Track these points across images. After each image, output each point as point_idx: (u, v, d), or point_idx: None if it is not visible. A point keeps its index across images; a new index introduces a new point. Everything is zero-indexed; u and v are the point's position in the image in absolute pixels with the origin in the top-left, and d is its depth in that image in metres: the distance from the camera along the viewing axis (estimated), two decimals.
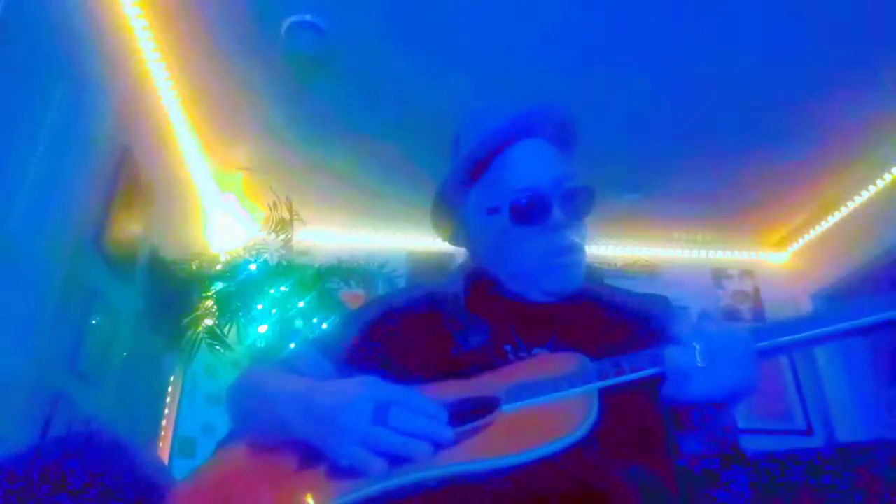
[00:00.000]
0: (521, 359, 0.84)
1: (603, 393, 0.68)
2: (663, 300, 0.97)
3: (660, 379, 0.69)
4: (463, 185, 0.97)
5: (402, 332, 0.91)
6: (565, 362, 0.74)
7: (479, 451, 0.65)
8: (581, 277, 0.90)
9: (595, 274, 0.98)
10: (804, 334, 0.68)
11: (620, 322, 0.89)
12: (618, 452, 0.74)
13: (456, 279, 0.99)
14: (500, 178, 0.92)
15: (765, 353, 0.68)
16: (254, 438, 0.80)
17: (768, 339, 0.68)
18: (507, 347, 0.86)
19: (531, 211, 0.88)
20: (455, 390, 0.76)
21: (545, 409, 0.68)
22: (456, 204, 0.99)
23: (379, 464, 0.64)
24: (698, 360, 0.66)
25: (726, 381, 0.66)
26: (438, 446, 0.65)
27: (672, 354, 0.67)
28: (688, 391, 0.66)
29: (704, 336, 0.67)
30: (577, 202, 0.90)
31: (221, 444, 0.86)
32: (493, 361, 0.82)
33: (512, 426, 0.67)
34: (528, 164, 0.92)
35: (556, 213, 0.88)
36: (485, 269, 0.97)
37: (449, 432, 0.66)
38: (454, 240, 1.04)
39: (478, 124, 0.97)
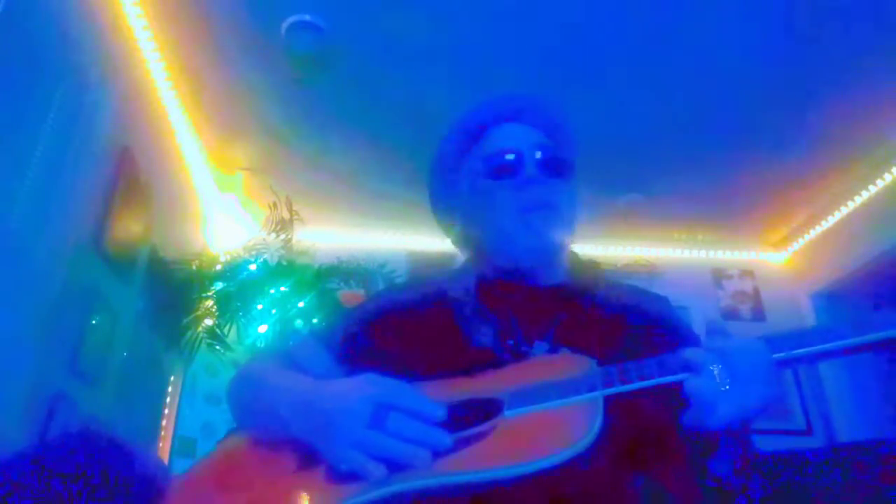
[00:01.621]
0: (522, 352, 0.83)
1: (608, 399, 0.66)
2: (663, 300, 0.97)
3: (666, 385, 0.67)
4: (452, 167, 1.01)
5: (409, 327, 0.90)
6: (571, 365, 0.73)
7: (479, 459, 0.64)
8: (557, 234, 0.90)
9: (595, 269, 0.99)
10: (822, 346, 0.65)
11: (621, 318, 0.88)
12: (621, 461, 0.73)
13: (465, 272, 0.98)
14: (483, 148, 0.97)
15: (781, 364, 0.66)
16: (254, 435, 0.80)
17: (784, 349, 0.66)
18: (511, 342, 0.86)
19: (505, 166, 0.92)
20: (460, 389, 0.75)
21: (547, 417, 0.67)
22: (447, 186, 1.03)
23: (377, 469, 0.64)
24: (720, 383, 0.63)
25: (752, 397, 0.63)
26: (436, 453, 0.65)
27: (693, 384, 0.64)
28: (715, 416, 0.63)
29: (721, 355, 0.64)
30: (552, 162, 0.93)
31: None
32: (499, 358, 0.82)
33: (513, 434, 0.66)
34: (508, 133, 0.97)
35: (529, 169, 0.91)
36: (482, 251, 0.98)
37: (447, 440, 0.65)
38: (450, 229, 1.06)
39: (465, 112, 1.03)
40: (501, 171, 0.92)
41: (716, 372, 0.63)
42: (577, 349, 0.79)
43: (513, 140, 0.94)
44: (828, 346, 0.65)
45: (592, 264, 1.00)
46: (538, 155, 0.92)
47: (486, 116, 0.99)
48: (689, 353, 0.67)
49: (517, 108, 0.99)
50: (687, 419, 0.66)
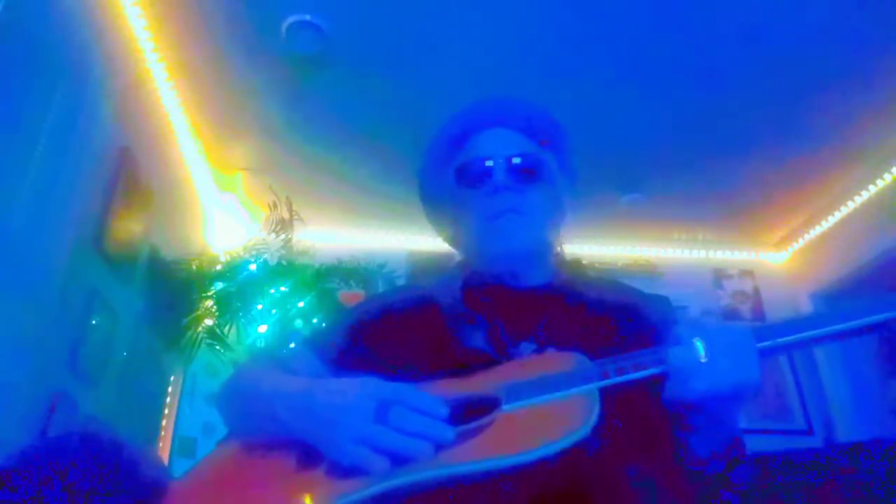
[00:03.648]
0: (508, 354, 0.84)
1: (603, 392, 0.67)
2: (663, 300, 0.97)
3: (662, 378, 0.68)
4: (438, 172, 1.02)
5: (399, 331, 0.91)
6: (564, 361, 0.73)
7: (481, 450, 0.65)
8: (524, 238, 0.91)
9: (579, 267, 1.01)
10: (805, 334, 0.68)
11: (605, 315, 0.89)
12: (618, 452, 0.73)
13: (454, 276, 0.99)
14: (463, 155, 0.98)
15: (766, 353, 0.68)
16: (251, 439, 0.80)
17: (769, 339, 0.68)
18: (498, 344, 0.86)
19: (472, 174, 0.94)
20: (454, 388, 0.75)
21: (546, 409, 0.67)
22: (435, 190, 1.04)
23: (381, 462, 0.64)
24: (701, 355, 0.65)
25: (728, 375, 0.65)
26: (439, 446, 0.65)
27: (673, 353, 0.67)
28: (691, 389, 0.65)
29: (704, 331, 0.67)
30: (528, 168, 0.94)
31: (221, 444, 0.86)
32: (490, 359, 0.82)
33: (512, 426, 0.67)
34: (488, 139, 0.97)
35: (499, 177, 0.92)
36: (467, 255, 1.00)
37: (450, 432, 0.66)
38: (441, 231, 1.08)
39: (450, 117, 1.04)
40: (474, 179, 0.94)
41: (696, 345, 0.66)
42: (562, 348, 0.80)
43: (489, 147, 0.96)
44: (810, 332, 0.68)
45: (577, 263, 1.02)
46: (515, 161, 0.93)
47: (470, 122, 1.00)
48: (675, 330, 0.69)
49: (498, 112, 1.00)
50: (666, 392, 0.68)
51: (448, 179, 1.00)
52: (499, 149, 0.95)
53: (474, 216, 0.93)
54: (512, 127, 0.99)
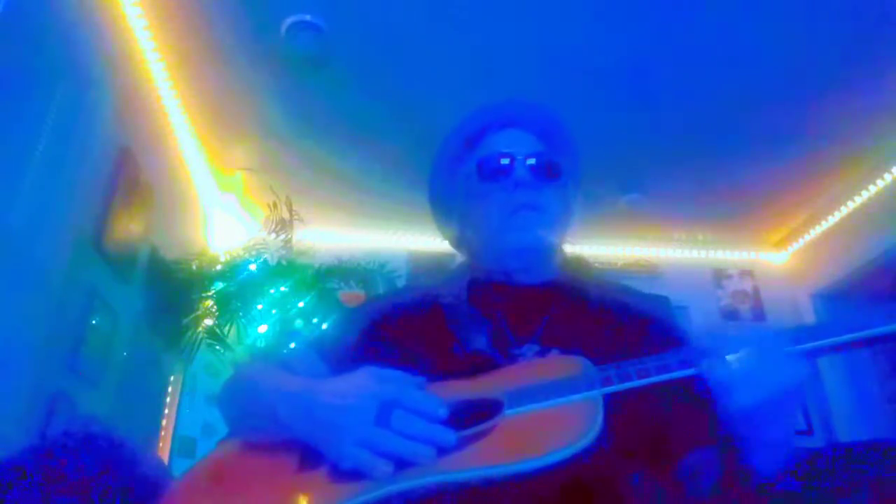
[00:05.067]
0: (511, 356, 0.84)
1: (607, 397, 0.66)
2: (663, 300, 0.97)
3: (663, 383, 0.67)
4: (450, 171, 1.02)
5: (402, 332, 0.90)
6: (568, 365, 0.73)
7: (482, 457, 0.64)
8: (541, 234, 0.91)
9: (584, 265, 1.01)
10: (828, 340, 0.65)
11: (609, 314, 0.89)
12: (621, 459, 0.73)
13: (457, 276, 0.99)
14: (479, 152, 0.99)
15: (800, 356, 0.65)
16: (252, 438, 0.79)
17: (806, 342, 0.65)
18: (502, 345, 0.86)
19: (497, 169, 0.94)
20: (457, 391, 0.75)
21: (549, 416, 0.67)
22: (446, 189, 1.04)
23: (382, 466, 0.63)
24: (735, 364, 0.63)
25: (767, 379, 0.62)
26: (441, 451, 0.64)
27: (708, 372, 0.64)
28: (737, 401, 0.62)
29: (734, 342, 0.65)
30: (545, 167, 0.94)
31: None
32: (493, 361, 0.82)
33: (515, 432, 0.66)
34: (504, 138, 0.98)
35: (520, 173, 0.92)
36: (474, 253, 1.00)
37: (452, 437, 0.65)
38: (448, 232, 1.07)
39: (465, 117, 1.04)
40: (494, 173, 0.94)
41: (728, 357, 0.64)
42: (565, 348, 0.80)
43: (507, 145, 0.96)
44: (836, 339, 0.65)
45: (582, 261, 1.01)
46: (531, 161, 0.93)
47: (485, 122, 1.01)
48: (685, 351, 0.67)
49: (515, 114, 1.01)
50: (720, 416, 0.65)
51: (460, 176, 1.00)
52: (516, 147, 0.95)
53: (492, 210, 0.93)
54: (526, 129, 0.99)
